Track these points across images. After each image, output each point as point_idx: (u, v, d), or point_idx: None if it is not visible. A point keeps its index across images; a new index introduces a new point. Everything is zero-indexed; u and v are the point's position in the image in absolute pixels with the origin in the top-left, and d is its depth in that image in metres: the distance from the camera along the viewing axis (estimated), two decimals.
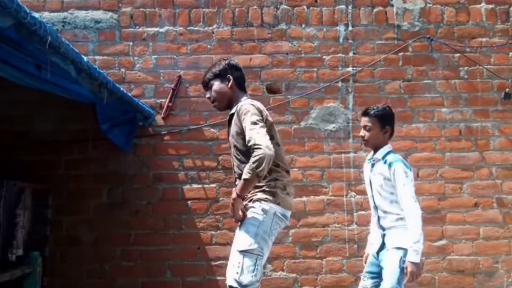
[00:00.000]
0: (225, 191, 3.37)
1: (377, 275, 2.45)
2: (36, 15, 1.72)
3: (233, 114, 2.33)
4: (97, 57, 3.47)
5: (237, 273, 2.08)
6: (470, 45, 3.55)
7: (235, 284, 2.08)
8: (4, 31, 1.64)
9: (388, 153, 2.47)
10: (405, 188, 2.35)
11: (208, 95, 2.44)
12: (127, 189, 3.37)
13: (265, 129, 2.20)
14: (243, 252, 2.11)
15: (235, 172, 2.36)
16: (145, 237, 3.32)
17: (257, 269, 2.10)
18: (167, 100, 3.45)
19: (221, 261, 3.26)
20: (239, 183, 2.17)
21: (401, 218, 2.37)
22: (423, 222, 3.35)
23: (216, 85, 2.41)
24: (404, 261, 2.30)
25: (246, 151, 2.22)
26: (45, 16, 3.46)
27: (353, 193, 3.40)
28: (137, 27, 3.54)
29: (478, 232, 3.38)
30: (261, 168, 2.07)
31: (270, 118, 2.36)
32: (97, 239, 3.32)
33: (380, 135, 2.49)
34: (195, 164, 3.42)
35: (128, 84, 3.47)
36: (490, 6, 3.59)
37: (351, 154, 3.43)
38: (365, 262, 2.61)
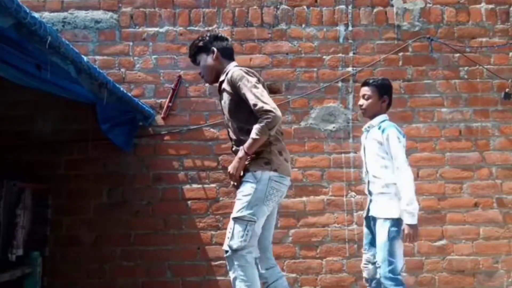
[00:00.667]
0: (225, 191, 3.37)
1: (372, 241, 2.51)
2: (36, 15, 1.72)
3: (222, 82, 2.37)
4: (97, 57, 3.47)
5: (228, 238, 2.20)
6: (470, 45, 3.55)
7: (226, 248, 2.20)
8: (4, 31, 1.64)
9: (383, 120, 2.55)
10: (397, 152, 2.42)
11: (199, 71, 2.51)
12: (127, 189, 3.37)
13: (266, 91, 2.33)
14: (234, 219, 2.22)
15: (231, 138, 2.42)
16: (145, 237, 3.32)
17: (247, 234, 2.19)
18: (167, 100, 3.45)
19: (221, 261, 3.26)
20: (248, 141, 2.22)
21: (389, 185, 2.41)
22: (423, 221, 3.39)
23: (202, 59, 2.46)
24: (392, 231, 2.34)
25: (242, 117, 2.31)
26: (45, 16, 3.46)
27: (353, 193, 3.40)
28: (137, 27, 3.54)
29: (478, 232, 3.37)
30: (273, 128, 2.21)
31: (262, 78, 2.47)
32: (97, 239, 3.32)
33: (378, 104, 2.57)
34: (195, 164, 3.42)
35: (128, 84, 3.47)
36: (490, 6, 3.59)
37: (351, 154, 3.43)
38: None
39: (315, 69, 3.53)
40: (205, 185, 3.39)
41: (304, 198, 3.40)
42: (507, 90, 3.44)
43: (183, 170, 3.41)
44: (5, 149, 3.24)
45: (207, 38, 2.48)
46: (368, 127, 2.59)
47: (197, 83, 3.49)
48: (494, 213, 3.39)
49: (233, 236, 2.19)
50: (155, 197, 3.38)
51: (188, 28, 3.54)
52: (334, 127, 3.46)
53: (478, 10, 3.59)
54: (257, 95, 2.25)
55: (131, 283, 3.28)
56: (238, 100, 2.32)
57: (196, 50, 2.49)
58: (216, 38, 2.48)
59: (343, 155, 3.44)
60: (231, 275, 2.20)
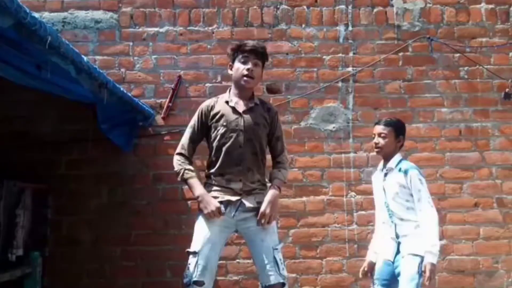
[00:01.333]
0: None
1: (389, 282, 2.45)
2: (36, 15, 1.72)
3: (255, 105, 2.38)
4: (97, 57, 3.47)
5: (283, 269, 2.25)
6: (470, 45, 3.55)
7: (283, 280, 2.23)
8: (4, 31, 1.64)
9: (400, 161, 2.53)
10: (421, 193, 2.41)
11: (250, 67, 2.31)
12: (127, 189, 3.37)
13: None
14: (278, 249, 2.28)
15: (243, 159, 2.31)
16: (145, 237, 3.32)
17: None
18: (167, 100, 3.45)
19: (221, 261, 3.24)
20: (280, 182, 2.37)
21: (418, 225, 2.41)
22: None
23: (261, 66, 2.41)
24: (421, 267, 2.33)
25: (263, 148, 2.40)
26: (45, 16, 3.46)
27: (353, 193, 3.40)
28: (137, 27, 3.54)
29: (478, 232, 3.37)
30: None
31: None
32: (97, 239, 3.32)
33: (394, 144, 2.54)
34: (195, 164, 3.41)
35: (128, 84, 3.47)
36: (490, 6, 3.59)
37: (351, 154, 3.43)
38: (367, 271, 2.59)
39: (315, 69, 3.53)
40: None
41: (304, 198, 3.39)
42: (507, 90, 3.44)
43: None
44: (5, 149, 3.24)
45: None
46: (387, 169, 2.53)
47: (197, 83, 3.49)
48: (494, 213, 3.39)
49: (284, 265, 2.28)
50: (155, 197, 3.38)
51: (188, 28, 3.54)
52: (334, 127, 3.46)
53: (478, 10, 3.59)
54: (284, 143, 2.51)
55: (131, 283, 3.28)
56: (266, 135, 2.42)
57: (265, 58, 2.46)
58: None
59: (343, 155, 3.43)
60: None
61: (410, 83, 3.52)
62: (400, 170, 2.48)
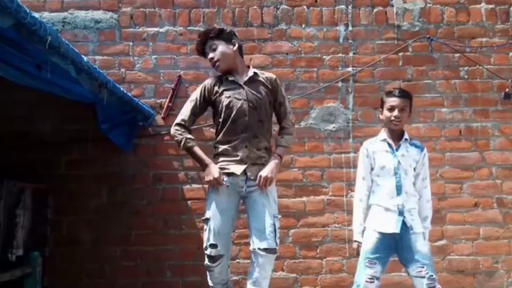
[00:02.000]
0: None
1: (388, 258, 2.44)
2: (36, 15, 1.72)
3: (255, 75, 2.50)
4: (97, 57, 3.47)
5: (278, 237, 2.35)
6: (470, 45, 3.55)
7: (275, 246, 2.30)
8: (4, 31, 1.64)
9: (409, 137, 2.56)
10: (427, 172, 2.53)
11: (211, 55, 2.49)
12: (127, 189, 3.37)
13: None
14: (276, 217, 2.37)
15: (248, 126, 2.41)
16: (145, 237, 3.32)
17: None
18: (167, 100, 3.45)
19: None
20: (283, 149, 2.52)
21: (417, 201, 2.48)
22: None
23: (221, 46, 2.49)
24: None
25: (268, 115, 2.52)
26: (45, 16, 3.46)
27: (353, 193, 3.38)
28: (137, 27, 3.54)
29: (478, 232, 3.37)
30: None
31: None
32: (97, 239, 3.32)
33: (408, 117, 2.57)
34: (195, 164, 3.39)
35: (128, 84, 3.47)
36: (490, 6, 3.59)
37: (351, 154, 3.42)
38: (358, 251, 2.51)
39: (315, 69, 3.53)
40: (205, 185, 3.38)
41: (304, 198, 3.40)
42: (507, 90, 3.44)
43: (183, 170, 3.41)
44: (5, 149, 3.24)
45: (229, 29, 2.58)
46: (400, 142, 2.51)
47: (197, 83, 3.47)
48: (494, 213, 3.39)
49: (279, 235, 2.37)
50: (155, 197, 3.38)
51: (188, 28, 3.54)
52: (334, 127, 3.46)
53: (478, 10, 3.59)
54: (289, 106, 2.63)
55: (131, 283, 3.28)
56: (269, 103, 2.52)
57: (217, 34, 2.51)
58: (236, 35, 2.59)
59: (343, 155, 3.43)
60: (268, 274, 2.32)
61: (410, 83, 3.52)
62: (416, 145, 2.53)
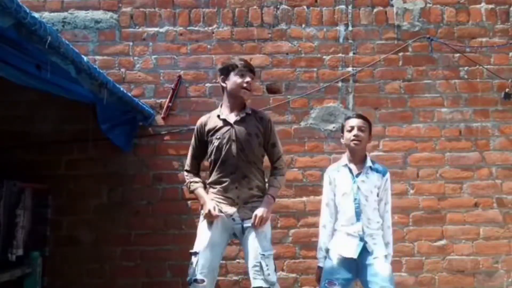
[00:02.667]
0: None
1: (349, 282, 2.45)
2: (36, 15, 1.72)
3: (247, 115, 2.53)
4: (97, 57, 3.47)
5: (269, 274, 2.33)
6: (470, 45, 3.55)
7: (266, 284, 2.31)
8: (4, 31, 1.64)
9: (371, 161, 2.58)
10: (389, 197, 2.55)
11: (249, 80, 2.53)
12: (127, 189, 3.37)
13: None
14: (270, 256, 2.38)
15: (237, 167, 2.46)
16: (145, 237, 3.32)
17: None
18: (167, 100, 3.45)
19: (220, 262, 3.25)
20: (275, 190, 2.55)
21: (380, 227, 2.50)
22: (423, 221, 3.40)
23: (253, 82, 2.61)
24: None
25: (258, 156, 2.54)
26: (45, 16, 3.46)
27: None
28: (137, 27, 3.54)
29: (478, 232, 3.37)
30: None
31: None
32: (97, 239, 3.31)
33: (368, 140, 2.61)
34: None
35: (128, 84, 3.47)
36: (490, 6, 3.59)
37: None
38: (318, 276, 2.55)
39: (315, 69, 3.53)
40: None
41: (304, 198, 3.39)
42: (507, 90, 3.44)
43: (183, 170, 3.39)
44: (5, 149, 3.24)
45: None
46: (362, 167, 2.53)
47: (197, 83, 3.49)
48: (494, 213, 3.39)
49: (273, 271, 2.36)
50: (155, 197, 3.38)
51: (188, 28, 3.54)
52: (334, 127, 3.46)
53: (478, 10, 3.59)
54: (281, 148, 2.66)
55: (131, 283, 3.28)
56: (260, 144, 2.54)
57: (254, 74, 2.63)
58: None
59: (343, 155, 3.43)
60: None
61: (410, 83, 3.52)
62: (377, 170, 2.54)
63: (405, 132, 3.47)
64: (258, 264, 2.32)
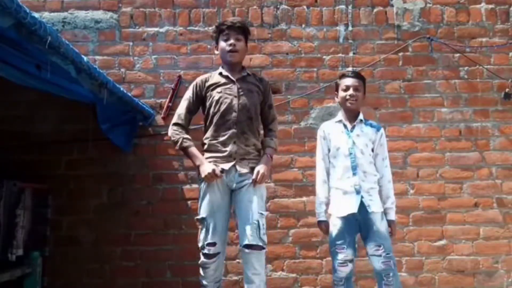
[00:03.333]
0: None
1: (355, 239, 2.49)
2: (36, 15, 1.72)
3: (247, 75, 2.55)
4: (97, 57, 3.47)
5: (264, 234, 2.32)
6: (470, 45, 3.55)
7: (262, 243, 2.31)
8: (4, 31, 1.64)
9: (365, 119, 2.63)
10: (386, 152, 2.60)
11: (232, 42, 2.46)
12: (127, 189, 3.37)
13: None
14: (262, 214, 2.35)
15: (243, 132, 2.44)
16: (145, 237, 3.32)
17: None
18: (167, 100, 3.45)
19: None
20: (272, 150, 2.53)
21: (377, 181, 2.53)
22: (423, 221, 3.40)
23: (243, 43, 2.55)
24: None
25: (257, 114, 2.53)
26: (45, 16, 3.46)
27: None
28: (137, 27, 3.54)
29: (478, 232, 3.37)
30: None
31: None
32: (97, 239, 3.31)
33: (363, 97, 2.64)
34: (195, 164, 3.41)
35: (128, 84, 3.47)
36: (490, 6, 3.59)
37: None
38: (326, 229, 2.59)
39: (315, 69, 3.53)
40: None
41: (304, 198, 3.39)
42: (507, 90, 3.45)
43: (183, 170, 3.41)
44: (5, 149, 3.24)
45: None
46: (356, 122, 2.57)
47: None
48: (494, 213, 3.39)
49: (265, 232, 2.34)
50: (155, 197, 3.38)
51: (188, 28, 3.54)
52: None
53: (478, 10, 3.59)
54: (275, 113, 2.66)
55: (131, 283, 3.28)
56: (259, 103, 2.54)
57: (245, 31, 2.56)
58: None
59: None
60: (258, 270, 2.34)
61: (410, 83, 3.52)
62: (371, 125, 2.60)
63: (405, 132, 3.47)
64: (256, 222, 2.30)
